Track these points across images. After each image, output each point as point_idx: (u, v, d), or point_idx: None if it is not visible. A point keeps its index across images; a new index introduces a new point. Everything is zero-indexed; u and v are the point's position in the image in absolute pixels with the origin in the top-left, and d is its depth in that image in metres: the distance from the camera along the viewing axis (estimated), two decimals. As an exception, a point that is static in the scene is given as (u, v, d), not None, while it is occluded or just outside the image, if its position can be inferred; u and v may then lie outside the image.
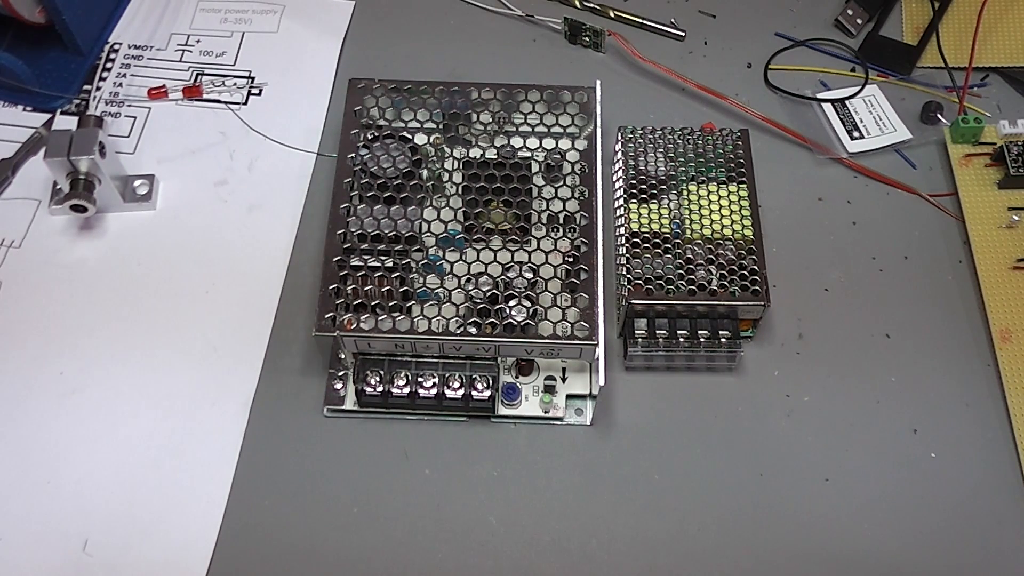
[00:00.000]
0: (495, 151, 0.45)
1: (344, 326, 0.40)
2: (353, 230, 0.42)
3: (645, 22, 0.55)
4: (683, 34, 0.55)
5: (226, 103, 0.52)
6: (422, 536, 0.40)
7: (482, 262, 0.42)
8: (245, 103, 0.52)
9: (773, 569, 0.39)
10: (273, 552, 0.40)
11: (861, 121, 0.51)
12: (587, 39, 0.54)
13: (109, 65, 0.53)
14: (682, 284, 0.42)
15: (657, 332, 0.43)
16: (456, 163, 0.44)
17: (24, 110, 0.52)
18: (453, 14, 0.56)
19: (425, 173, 0.44)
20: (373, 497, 0.41)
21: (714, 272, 0.43)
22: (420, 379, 0.41)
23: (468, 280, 0.41)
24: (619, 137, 0.47)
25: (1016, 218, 0.47)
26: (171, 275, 0.46)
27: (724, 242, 0.43)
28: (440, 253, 0.42)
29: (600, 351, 0.39)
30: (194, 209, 0.49)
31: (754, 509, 0.41)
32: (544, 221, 0.43)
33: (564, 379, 0.43)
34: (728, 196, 0.45)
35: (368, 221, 0.42)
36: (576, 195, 0.43)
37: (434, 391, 0.41)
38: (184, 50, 0.54)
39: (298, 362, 0.44)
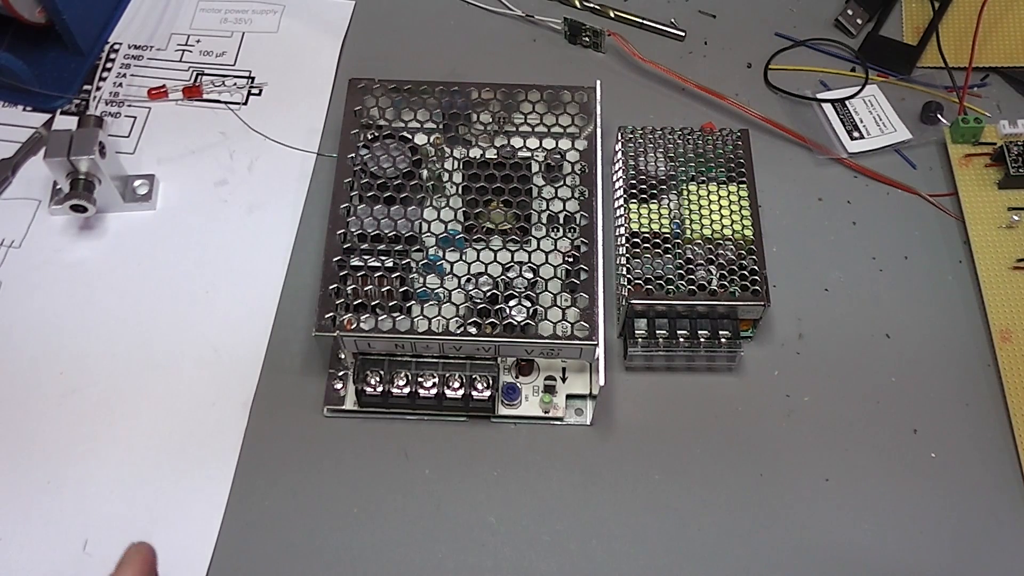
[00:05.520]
0: (495, 151, 0.45)
1: (344, 326, 0.40)
2: (353, 230, 0.42)
3: (645, 22, 0.55)
4: (683, 34, 0.55)
5: (226, 103, 0.52)
6: (422, 536, 0.40)
7: (482, 262, 0.42)
8: (245, 103, 0.52)
9: (773, 569, 0.39)
10: (273, 552, 0.40)
11: (861, 121, 0.51)
12: (587, 39, 0.54)
13: (109, 65, 0.53)
14: (682, 284, 0.42)
15: (657, 332, 0.43)
16: (456, 163, 0.44)
17: (24, 110, 0.52)
18: (453, 14, 0.56)
19: (425, 173, 0.44)
20: (373, 497, 0.41)
21: (714, 272, 0.43)
22: (420, 379, 0.41)
23: (468, 280, 0.41)
24: (619, 137, 0.47)
25: (1016, 218, 0.47)
26: (171, 275, 0.46)
27: (724, 242, 0.43)
28: (440, 253, 0.42)
29: (600, 351, 0.39)
30: (194, 209, 0.49)
31: (754, 509, 0.41)
32: (544, 221, 0.43)
33: (564, 379, 0.43)
34: (728, 196, 0.45)
35: (368, 221, 0.42)
36: (576, 195, 0.43)
37: (434, 391, 0.41)
38: (184, 50, 0.54)
39: (298, 362, 0.44)
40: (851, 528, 0.40)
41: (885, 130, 0.51)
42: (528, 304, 0.40)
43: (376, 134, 0.45)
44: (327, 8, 0.56)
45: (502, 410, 0.42)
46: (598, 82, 0.46)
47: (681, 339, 0.42)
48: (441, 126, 0.45)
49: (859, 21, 0.55)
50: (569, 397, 0.42)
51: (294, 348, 0.44)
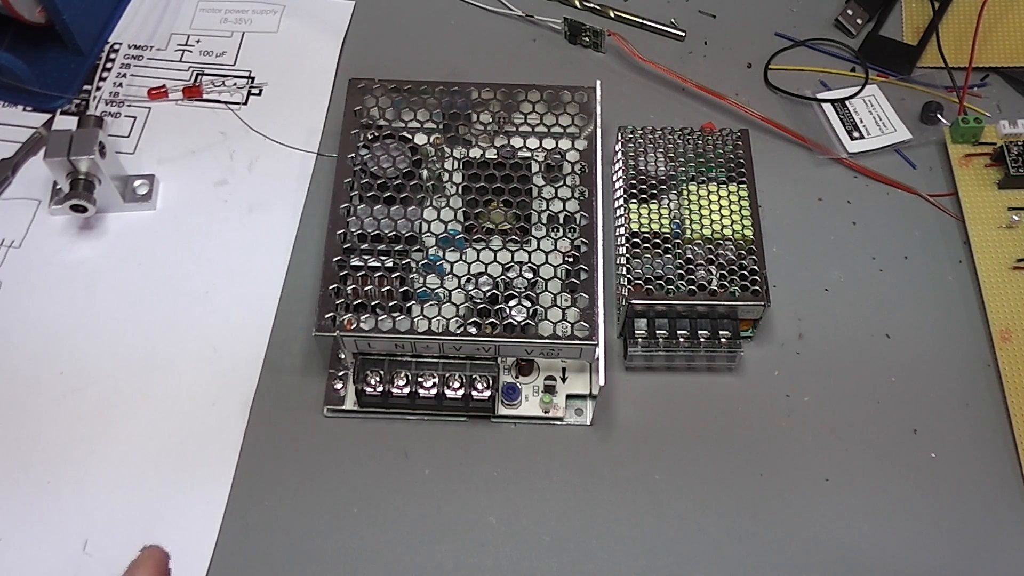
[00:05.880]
0: (495, 151, 0.45)
1: (344, 326, 0.40)
2: (353, 230, 0.42)
3: (645, 22, 0.55)
4: (683, 34, 0.55)
5: (226, 103, 0.52)
6: (422, 536, 0.40)
7: (482, 262, 0.42)
8: (245, 103, 0.52)
9: (773, 569, 0.39)
10: (273, 552, 0.40)
11: (861, 121, 0.51)
12: (587, 39, 0.54)
13: (109, 65, 0.53)
14: (682, 284, 0.42)
15: (657, 332, 0.43)
16: (456, 163, 0.44)
17: (24, 110, 0.52)
18: (453, 14, 0.56)
19: (425, 173, 0.44)
20: (373, 497, 0.41)
21: (714, 272, 0.43)
22: (420, 379, 0.41)
23: (468, 280, 0.41)
24: (619, 137, 0.47)
25: (1016, 218, 0.47)
26: (171, 275, 0.46)
27: (724, 242, 0.43)
28: (440, 253, 0.42)
29: (600, 351, 0.39)
30: (194, 209, 0.49)
31: (754, 509, 0.41)
32: (544, 221, 0.43)
33: (564, 379, 0.43)
34: (728, 196, 0.45)
35: (368, 221, 0.42)
36: (576, 195, 0.43)
37: (434, 391, 0.41)
38: (184, 50, 0.54)
39: (298, 362, 0.44)
40: (851, 528, 0.40)
41: (885, 130, 0.51)
42: (528, 304, 0.40)
43: (376, 134, 0.45)
44: (327, 8, 0.56)
45: (502, 410, 0.42)
46: (598, 82, 0.46)
47: (681, 339, 0.42)
48: (441, 126, 0.45)
49: (859, 21, 0.55)
50: (569, 397, 0.42)
51: (294, 348, 0.44)
